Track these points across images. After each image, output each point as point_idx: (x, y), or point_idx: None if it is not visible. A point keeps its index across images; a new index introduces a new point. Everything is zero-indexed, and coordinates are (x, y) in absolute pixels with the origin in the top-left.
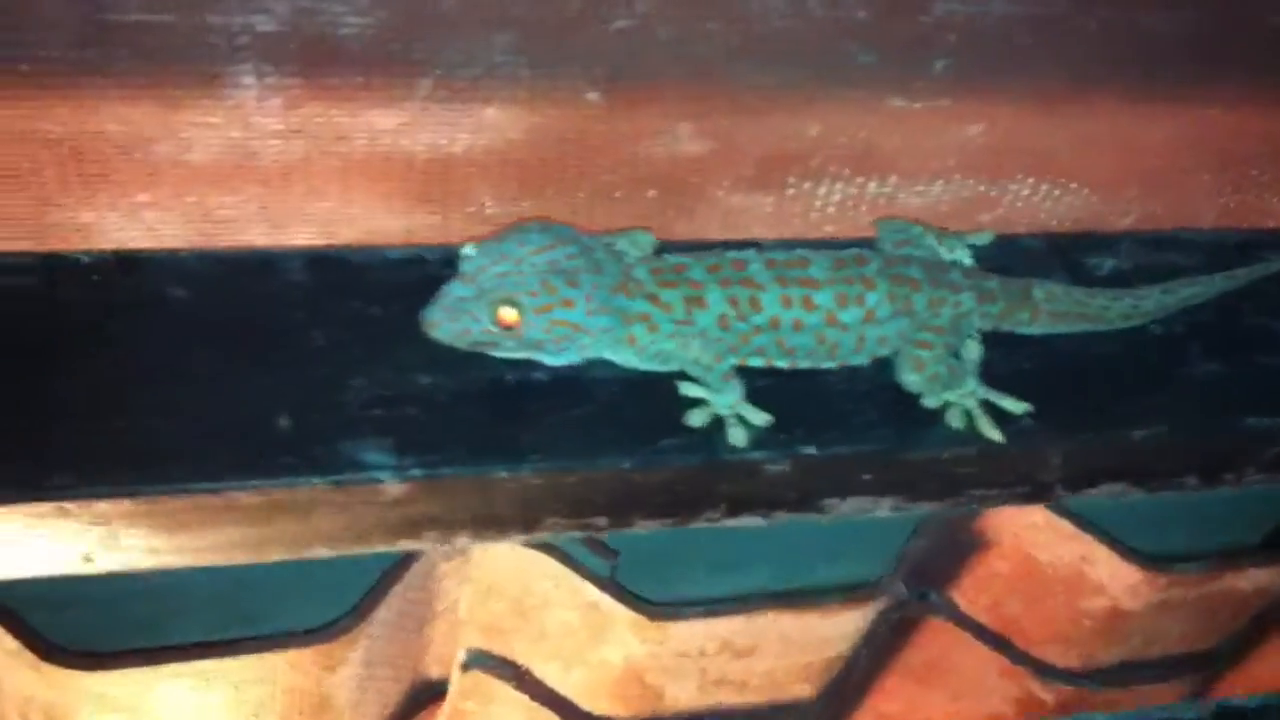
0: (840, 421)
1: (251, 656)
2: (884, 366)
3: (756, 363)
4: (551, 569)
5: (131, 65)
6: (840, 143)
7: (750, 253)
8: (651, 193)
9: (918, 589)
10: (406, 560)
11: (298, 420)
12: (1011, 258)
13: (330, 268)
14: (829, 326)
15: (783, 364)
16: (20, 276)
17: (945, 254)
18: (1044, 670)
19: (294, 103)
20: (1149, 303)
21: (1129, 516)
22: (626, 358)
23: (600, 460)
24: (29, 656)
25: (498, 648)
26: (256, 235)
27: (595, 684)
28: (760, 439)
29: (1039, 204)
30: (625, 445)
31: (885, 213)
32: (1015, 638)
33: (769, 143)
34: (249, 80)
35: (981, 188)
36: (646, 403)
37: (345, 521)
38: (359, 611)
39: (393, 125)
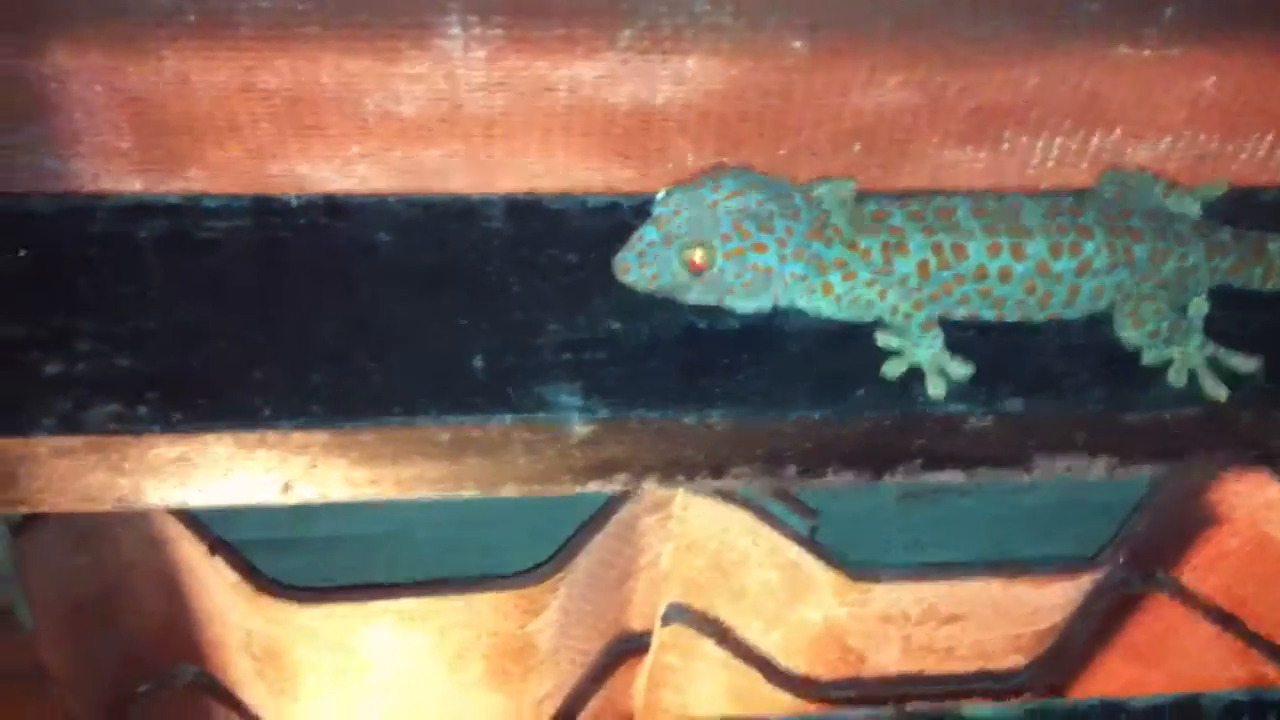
0: (1049, 378)
1: (456, 598)
2: (1098, 323)
3: (961, 313)
4: (751, 525)
5: (346, 18)
6: (1061, 95)
7: (958, 199)
8: (857, 147)
9: (1143, 568)
10: (607, 510)
11: (491, 362)
12: (1247, 212)
13: (529, 214)
14: (1040, 276)
15: (989, 315)
16: (234, 219)
17: (1172, 207)
18: (1277, 653)
19: (498, 55)
20: None
21: None
22: (822, 306)
23: (790, 411)
24: (247, 589)
25: (699, 603)
26: (461, 187)
27: (795, 644)
28: (961, 392)
29: (1271, 165)
30: (816, 396)
31: (1108, 168)
32: (1247, 618)
33: (983, 95)
34: (455, 31)
35: (1214, 144)
36: (841, 353)
37: (533, 461)
38: (560, 559)
39: (593, 77)
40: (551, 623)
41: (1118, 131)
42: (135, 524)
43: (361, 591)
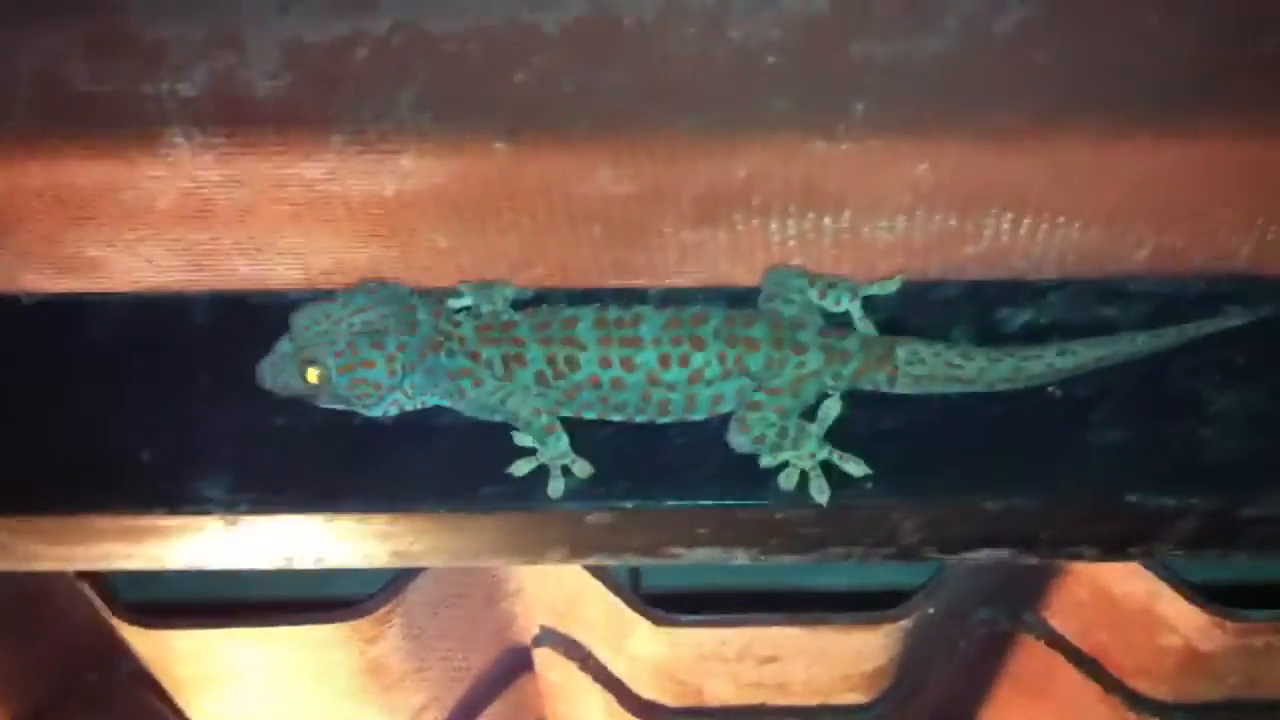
0: (670, 475)
1: (296, 627)
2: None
3: (591, 415)
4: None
5: (85, 129)
6: (774, 183)
7: (586, 310)
8: (596, 229)
9: (1009, 608)
10: None
11: (157, 456)
12: (920, 307)
13: (232, 310)
14: (652, 386)
15: (617, 417)
16: None
17: (830, 306)
18: (1136, 700)
19: (226, 158)
20: (1036, 365)
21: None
22: (461, 408)
23: (419, 505)
24: (108, 612)
25: (563, 628)
26: (240, 267)
27: (638, 673)
28: (582, 490)
29: (1029, 238)
30: (448, 490)
31: (852, 247)
32: (1108, 664)
33: (698, 184)
34: (179, 140)
35: (953, 222)
36: (482, 450)
37: (187, 542)
38: (381, 596)
39: (319, 174)
40: (398, 647)
41: (847, 214)
42: None
43: (209, 618)
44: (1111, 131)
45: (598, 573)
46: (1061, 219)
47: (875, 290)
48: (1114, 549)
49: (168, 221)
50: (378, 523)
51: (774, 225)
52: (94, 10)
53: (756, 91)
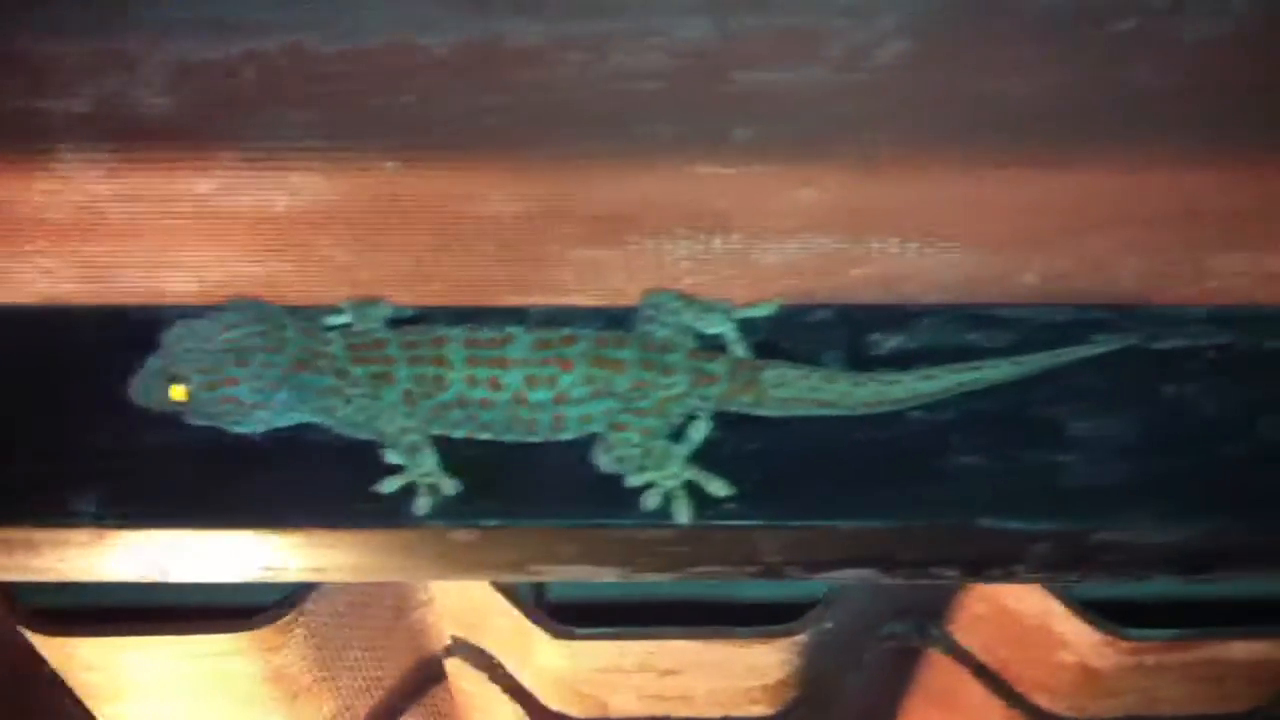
0: (536, 494)
1: (198, 636)
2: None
3: (460, 434)
4: None
5: None
6: (664, 205)
7: (457, 330)
8: (490, 247)
9: (916, 620)
10: None
11: (27, 468)
12: (795, 330)
13: (113, 324)
14: (519, 406)
15: (486, 436)
16: None
17: (706, 328)
18: (1039, 716)
19: (116, 173)
20: (898, 389)
21: None
22: (332, 425)
23: (287, 520)
24: (11, 620)
25: (473, 638)
26: (137, 281)
27: (543, 685)
28: (448, 508)
29: (916, 262)
30: (317, 507)
31: (743, 268)
32: (1010, 679)
33: (588, 205)
34: (71, 155)
35: (842, 245)
36: (352, 467)
37: (57, 558)
38: (283, 606)
39: (210, 189)
40: (303, 656)
41: (736, 235)
42: None
43: (98, 626)
44: (989, 160)
45: (500, 584)
46: (946, 245)
47: (751, 313)
48: (973, 570)
49: (61, 235)
50: (246, 538)
51: (667, 246)
52: None
53: (640, 116)
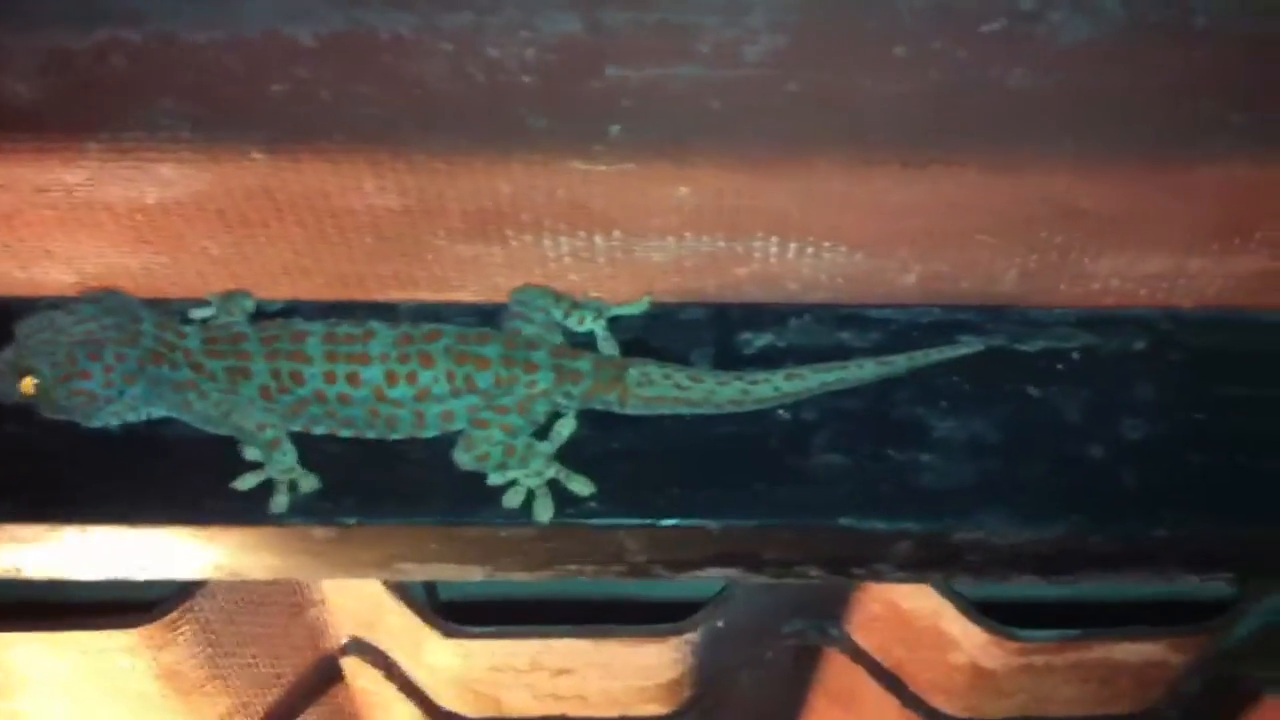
0: (397, 492)
1: (84, 633)
2: None
3: (320, 431)
4: None
5: None
6: (540, 201)
7: (316, 324)
8: (368, 240)
9: (815, 618)
10: None
11: None
12: (666, 329)
13: None
14: (379, 402)
15: (347, 433)
16: None
17: (575, 325)
18: (934, 716)
19: None
20: (763, 389)
21: None
22: (188, 419)
23: (140, 516)
24: None
25: (369, 636)
26: (13, 271)
27: (436, 684)
28: (308, 505)
29: (797, 261)
30: (173, 502)
31: (625, 265)
32: (905, 680)
33: (463, 199)
34: None
35: (722, 244)
36: (210, 462)
37: None
38: (169, 603)
39: (80, 180)
40: (193, 654)
41: (616, 233)
42: None
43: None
44: (861, 160)
45: (391, 583)
46: (826, 244)
47: (622, 311)
48: (837, 569)
49: None
50: (100, 535)
51: (547, 242)
52: None
53: (513, 110)
